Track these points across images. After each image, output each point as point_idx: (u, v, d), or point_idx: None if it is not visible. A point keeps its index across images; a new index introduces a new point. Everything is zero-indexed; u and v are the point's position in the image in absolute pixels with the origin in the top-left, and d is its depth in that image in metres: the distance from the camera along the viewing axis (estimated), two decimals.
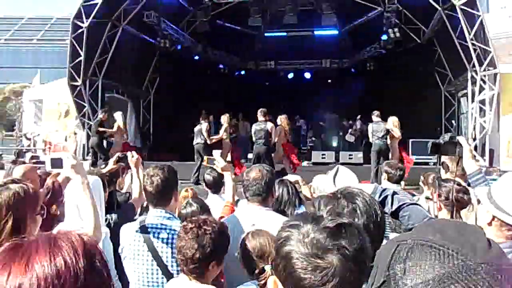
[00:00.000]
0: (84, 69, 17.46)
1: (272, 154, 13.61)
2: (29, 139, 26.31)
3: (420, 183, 6.50)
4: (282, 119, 14.38)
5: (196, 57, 22.91)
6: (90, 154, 15.54)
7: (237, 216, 3.51)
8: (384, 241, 1.76)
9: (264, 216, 3.39)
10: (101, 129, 14.97)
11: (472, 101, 15.82)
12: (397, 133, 13.61)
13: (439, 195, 4.39)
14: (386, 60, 21.88)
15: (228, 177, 4.25)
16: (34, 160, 15.16)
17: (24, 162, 8.29)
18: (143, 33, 19.87)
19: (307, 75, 26.15)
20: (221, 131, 14.79)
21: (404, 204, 2.29)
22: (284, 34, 24.90)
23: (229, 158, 14.65)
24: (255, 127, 13.04)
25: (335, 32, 24.21)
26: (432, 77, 19.60)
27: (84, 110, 17.90)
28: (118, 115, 15.94)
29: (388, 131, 13.39)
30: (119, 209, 4.40)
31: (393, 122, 13.59)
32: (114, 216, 4.04)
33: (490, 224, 2.50)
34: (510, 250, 2.23)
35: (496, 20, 16.30)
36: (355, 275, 1.17)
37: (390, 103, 19.59)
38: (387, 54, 21.17)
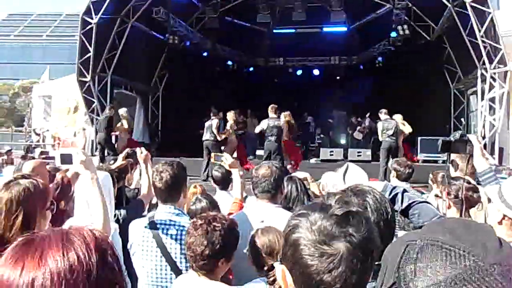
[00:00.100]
0: (93, 65, 17.51)
1: None
2: (38, 135, 26.44)
3: (429, 181, 6.47)
4: (286, 116, 14.33)
5: (205, 54, 22.92)
6: (98, 150, 15.58)
7: (246, 213, 3.51)
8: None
9: (273, 213, 3.39)
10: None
11: (482, 99, 15.71)
12: (408, 129, 13.60)
13: (448, 193, 4.37)
14: (395, 57, 21.78)
15: (236, 174, 4.25)
16: (43, 156, 15.18)
17: (33, 158, 8.33)
18: (152, 29, 19.90)
19: (316, 72, 26.05)
20: (227, 127, 14.79)
21: (414, 202, 2.28)
22: (293, 30, 24.84)
23: (235, 155, 14.62)
24: (268, 122, 12.95)
25: (344, 29, 24.16)
26: (442, 74, 19.47)
27: (93, 106, 17.95)
28: (123, 111, 16.00)
29: (397, 129, 13.34)
30: (128, 205, 4.40)
31: (400, 119, 13.58)
32: (123, 212, 4.05)
33: (500, 223, 2.49)
34: None
35: (506, 17, 16.13)
36: (362, 263, 1.17)
37: (398, 101, 19.53)
38: (396, 51, 21.07)
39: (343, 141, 21.64)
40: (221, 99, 20.37)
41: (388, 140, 13.28)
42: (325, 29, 24.39)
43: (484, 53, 14.54)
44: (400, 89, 21.05)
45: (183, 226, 3.23)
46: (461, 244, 0.89)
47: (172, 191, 3.39)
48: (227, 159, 4.27)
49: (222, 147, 14.53)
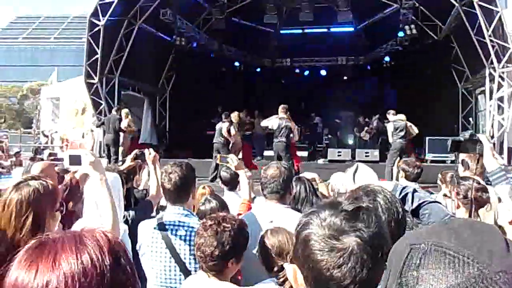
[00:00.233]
0: (100, 67, 17.58)
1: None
2: (47, 136, 26.57)
3: (438, 181, 6.44)
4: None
5: (212, 55, 22.95)
6: (106, 151, 15.61)
7: (254, 214, 3.51)
8: None
9: (282, 213, 3.38)
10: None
11: (490, 98, 15.64)
12: (415, 130, 13.55)
13: (457, 193, 4.35)
14: (402, 57, 21.72)
15: (242, 175, 4.25)
16: (52, 157, 15.28)
17: (42, 159, 8.38)
18: (159, 31, 19.96)
19: (323, 72, 26.01)
20: (232, 129, 14.73)
21: (424, 202, 2.27)
22: (300, 31, 24.84)
23: (240, 155, 14.59)
24: (279, 122, 12.91)
25: (351, 29, 24.12)
26: (449, 74, 19.40)
27: (101, 107, 18.01)
28: (126, 112, 16.06)
29: (407, 130, 13.29)
30: (136, 206, 4.41)
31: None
32: (131, 213, 4.05)
33: (511, 223, 2.47)
34: None
35: None
36: (372, 258, 1.17)
37: (406, 101, 19.50)
38: (403, 51, 21.00)
39: (350, 141, 21.61)
40: (228, 100, 20.39)
41: (399, 141, 13.21)
42: (332, 29, 24.41)
43: (492, 52, 14.47)
44: (408, 89, 21.02)
45: (192, 227, 3.23)
46: (466, 250, 0.86)
47: (181, 192, 3.39)
48: (233, 160, 4.27)
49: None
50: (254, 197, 5.34)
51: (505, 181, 3.29)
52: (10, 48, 71.94)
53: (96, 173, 2.83)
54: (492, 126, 15.35)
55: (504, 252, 0.88)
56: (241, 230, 2.77)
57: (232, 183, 5.43)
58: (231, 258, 2.68)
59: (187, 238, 3.24)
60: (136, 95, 20.54)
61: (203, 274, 2.71)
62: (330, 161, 17.82)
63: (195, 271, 3.11)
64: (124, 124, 15.03)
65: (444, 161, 16.58)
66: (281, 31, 25.21)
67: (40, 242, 1.07)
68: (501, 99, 15.05)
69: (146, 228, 3.39)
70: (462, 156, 5.30)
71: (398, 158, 12.88)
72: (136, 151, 4.96)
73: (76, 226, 3.53)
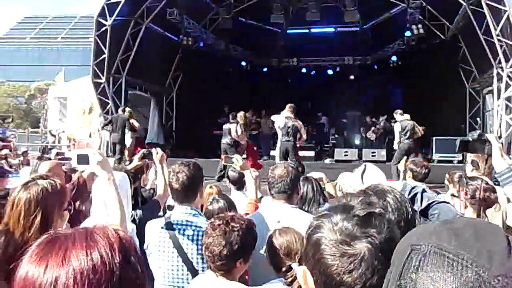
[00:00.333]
0: (107, 67, 17.64)
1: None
2: (54, 136, 26.69)
3: (445, 181, 6.42)
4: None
5: (219, 54, 22.96)
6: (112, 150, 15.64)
7: (262, 213, 3.50)
8: None
9: (290, 213, 3.38)
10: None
11: (498, 98, 15.56)
12: (421, 131, 13.51)
13: (466, 193, 4.33)
14: (409, 57, 21.67)
15: (248, 175, 4.25)
16: (59, 157, 15.33)
17: (49, 159, 8.42)
18: (166, 30, 20.01)
19: (330, 72, 26.01)
20: (238, 129, 14.69)
21: (433, 202, 2.26)
22: (307, 31, 24.82)
23: (244, 155, 14.55)
24: (286, 121, 12.85)
25: (358, 28, 24.07)
26: (457, 74, 19.31)
27: (108, 107, 18.07)
28: (129, 112, 16.11)
29: (414, 130, 13.25)
30: (143, 205, 4.42)
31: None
32: (139, 212, 4.06)
33: None
34: None
35: None
36: (383, 264, 1.16)
37: (413, 101, 19.44)
38: (410, 51, 20.95)
39: (357, 141, 21.56)
40: (234, 99, 20.41)
41: (407, 142, 13.17)
42: (339, 29, 24.36)
43: (500, 52, 14.40)
44: (415, 89, 20.96)
45: (200, 227, 3.24)
46: (466, 253, 0.85)
47: (188, 191, 3.38)
48: (238, 160, 4.27)
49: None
50: (261, 197, 5.34)
51: None
52: (17, 48, 72.32)
53: (104, 172, 2.84)
54: (500, 126, 15.26)
55: (505, 255, 0.86)
56: (250, 230, 2.76)
57: (240, 182, 5.42)
58: (239, 258, 2.68)
59: (195, 237, 3.24)
60: (143, 94, 20.60)
61: (211, 274, 2.71)
62: (336, 161, 17.82)
63: (203, 270, 3.11)
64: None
65: (451, 161, 16.52)
66: (288, 31, 25.21)
67: (51, 237, 1.07)
68: (509, 98, 14.98)
69: (154, 227, 3.40)
70: (470, 156, 5.28)
71: (405, 158, 12.89)
72: (143, 150, 4.98)
73: (84, 225, 3.54)
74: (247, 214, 3.70)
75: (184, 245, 3.25)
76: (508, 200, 4.42)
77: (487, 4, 13.93)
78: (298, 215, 3.39)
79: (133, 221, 3.91)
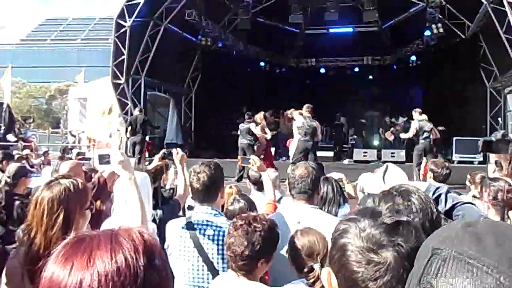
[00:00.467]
0: (127, 68, 17.76)
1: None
2: (74, 136, 26.97)
3: (467, 181, 6.37)
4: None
5: (237, 55, 23.00)
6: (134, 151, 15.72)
7: (282, 214, 3.49)
8: None
9: (310, 214, 3.36)
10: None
11: None
12: (437, 133, 13.44)
13: (488, 195, 4.28)
14: (429, 56, 21.51)
15: (265, 176, 4.24)
16: (80, 157, 15.52)
17: (70, 159, 8.51)
18: (184, 31, 20.08)
19: (348, 72, 25.90)
20: (259, 129, 14.65)
21: (458, 203, 2.23)
22: (325, 31, 24.73)
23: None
24: (303, 120, 12.83)
25: (377, 28, 23.93)
26: (477, 73, 19.07)
27: (127, 107, 18.20)
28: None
29: (431, 130, 13.16)
30: (163, 205, 4.43)
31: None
32: (159, 212, 4.08)
33: None
34: None
35: None
36: (408, 273, 1.15)
37: (433, 101, 19.27)
38: (430, 50, 20.77)
39: (376, 142, 21.43)
40: (253, 100, 20.44)
41: (424, 142, 13.09)
42: (358, 29, 24.22)
43: None
44: (435, 89, 20.79)
45: (220, 227, 3.24)
46: (486, 259, 0.84)
47: (209, 191, 3.39)
48: (255, 161, 4.25)
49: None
50: (281, 197, 5.33)
51: None
52: (38, 50, 73.12)
53: (126, 172, 2.85)
54: None
55: None
56: (272, 230, 2.75)
57: (261, 183, 5.41)
58: (261, 258, 2.67)
59: (215, 237, 3.24)
60: (162, 95, 20.72)
61: (233, 274, 2.71)
62: (355, 161, 17.74)
63: (223, 270, 3.11)
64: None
65: (471, 162, 16.35)
66: (306, 31, 25.14)
67: (77, 238, 1.08)
68: None
69: (174, 227, 3.41)
70: (493, 156, 5.22)
71: (424, 158, 12.81)
72: (163, 150, 5.00)
73: (105, 225, 3.56)
74: (267, 214, 3.69)
75: (205, 245, 3.25)
76: None
77: (509, 3, 13.73)
78: (319, 216, 3.37)
79: (154, 220, 3.92)
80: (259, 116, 14.59)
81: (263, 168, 4.30)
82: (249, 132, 14.30)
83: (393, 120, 20.97)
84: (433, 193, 2.23)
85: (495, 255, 0.84)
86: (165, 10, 18.31)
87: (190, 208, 4.78)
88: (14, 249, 2.78)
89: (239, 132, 14.72)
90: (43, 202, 2.47)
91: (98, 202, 3.89)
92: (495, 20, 15.15)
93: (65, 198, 2.50)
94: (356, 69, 25.89)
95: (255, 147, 14.33)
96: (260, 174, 4.72)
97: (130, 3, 17.02)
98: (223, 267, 3.15)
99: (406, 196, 1.78)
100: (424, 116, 13.41)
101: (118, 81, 18.05)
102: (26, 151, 16.43)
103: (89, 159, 15.44)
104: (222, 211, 3.82)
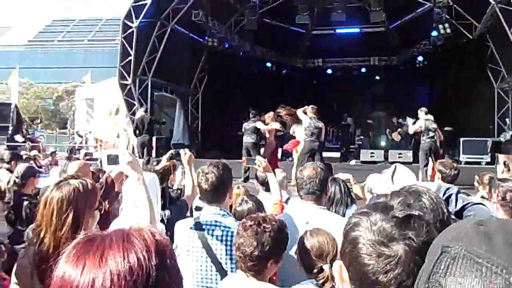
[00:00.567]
0: (133, 68, 17.82)
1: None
2: (81, 137, 27.07)
3: (475, 182, 6.35)
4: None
5: (244, 55, 23.00)
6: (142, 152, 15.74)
7: (290, 214, 3.49)
8: None
9: (318, 214, 3.35)
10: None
11: None
12: (441, 136, 13.42)
13: (497, 195, 4.26)
14: (436, 57, 21.45)
15: (271, 177, 4.23)
16: (87, 157, 15.58)
17: (78, 159, 8.55)
18: (191, 32, 20.12)
19: (355, 72, 25.87)
20: (272, 127, 14.54)
21: (468, 203, 2.22)
22: (332, 31, 24.70)
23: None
24: (309, 121, 12.79)
25: (383, 29, 23.88)
26: (484, 74, 18.97)
27: (134, 108, 18.24)
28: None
29: (436, 130, 13.13)
30: (171, 205, 4.44)
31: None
32: (167, 212, 4.08)
33: None
34: None
35: None
36: (418, 267, 1.15)
37: (440, 101, 19.21)
38: (437, 50, 20.71)
39: (383, 142, 21.39)
40: (260, 100, 20.43)
41: (429, 141, 13.05)
42: (364, 30, 24.18)
43: None
44: (442, 90, 20.73)
45: (229, 227, 3.24)
46: (496, 259, 0.83)
47: (217, 192, 3.38)
48: (261, 163, 4.24)
49: (262, 149, 14.50)
50: (288, 198, 5.32)
51: None
52: (46, 51, 73.51)
53: (134, 172, 2.86)
54: None
55: None
56: (281, 231, 2.75)
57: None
58: (270, 258, 2.67)
59: (224, 238, 3.24)
60: (168, 96, 20.76)
61: (242, 274, 2.71)
62: (362, 162, 17.70)
63: (231, 271, 3.11)
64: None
65: (479, 163, 16.26)
66: (313, 32, 25.12)
67: (89, 237, 1.08)
68: None
69: (183, 227, 3.41)
70: (501, 157, 5.20)
71: (430, 159, 12.79)
72: (171, 151, 5.01)
73: (113, 225, 3.57)
74: (275, 215, 3.68)
75: (213, 246, 3.25)
76: None
77: None
78: (327, 216, 3.37)
79: (162, 221, 3.93)
80: (269, 116, 14.56)
81: (269, 169, 4.29)
82: (254, 131, 14.29)
83: (400, 120, 20.92)
84: (444, 194, 2.22)
85: (505, 255, 0.83)
86: (172, 11, 18.36)
87: (198, 208, 4.78)
88: (22, 249, 2.80)
89: (243, 131, 14.69)
90: (53, 202, 2.48)
91: (106, 203, 3.90)
92: (502, 20, 15.09)
93: (75, 198, 2.50)
94: (363, 70, 25.84)
95: (262, 147, 14.32)
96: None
97: (137, 4, 17.09)
98: (231, 268, 3.15)
99: (417, 196, 1.78)
100: (430, 116, 13.36)
101: (125, 82, 18.11)
102: (34, 152, 16.50)
103: (96, 159, 15.53)
104: (230, 211, 3.82)
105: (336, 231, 2.89)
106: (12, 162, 8.35)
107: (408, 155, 17.22)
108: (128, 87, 18.14)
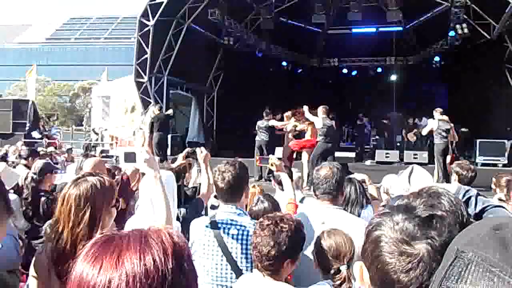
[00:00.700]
0: (149, 66, 17.92)
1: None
2: (97, 134, 27.25)
3: (492, 184, 6.27)
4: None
5: (260, 54, 22.99)
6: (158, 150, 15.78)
7: (306, 214, 3.48)
8: None
9: (334, 214, 3.34)
10: None
11: None
12: (456, 137, 13.30)
13: None
14: (453, 57, 21.27)
15: (284, 176, 4.22)
16: (103, 154, 15.67)
17: (94, 156, 8.60)
18: (207, 30, 20.17)
19: (371, 72, 25.75)
20: (289, 127, 14.50)
21: (488, 206, 2.20)
22: (348, 31, 24.61)
23: (280, 155, 14.35)
24: (325, 122, 12.69)
25: (400, 28, 23.74)
26: (502, 75, 18.77)
27: (150, 106, 18.33)
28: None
29: (449, 131, 13.02)
30: (187, 203, 4.45)
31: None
32: (183, 210, 4.09)
33: None
34: None
35: None
36: None
37: (456, 102, 19.04)
38: (454, 51, 20.53)
39: (399, 143, 21.26)
40: (275, 99, 20.43)
41: (444, 142, 12.95)
42: (381, 29, 24.05)
43: None
44: (458, 90, 20.55)
45: (245, 226, 3.24)
46: (510, 268, 0.81)
47: (234, 191, 3.38)
48: (275, 163, 4.22)
49: (277, 148, 14.48)
50: (303, 198, 5.31)
51: None
52: (63, 48, 74.17)
53: (151, 170, 2.86)
54: None
55: None
56: (298, 230, 2.74)
57: None
58: (287, 258, 2.66)
59: (239, 237, 3.24)
60: (184, 94, 20.84)
61: (258, 274, 2.71)
62: (377, 162, 17.61)
63: (247, 270, 3.11)
64: None
65: (495, 165, 16.10)
66: (329, 31, 25.05)
67: (107, 237, 1.08)
68: None
69: (199, 226, 3.41)
70: None
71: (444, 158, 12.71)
72: (187, 149, 5.02)
73: (129, 223, 3.60)
74: (288, 214, 3.67)
75: (229, 244, 3.25)
76: None
77: None
78: (343, 217, 3.36)
79: (177, 219, 3.94)
80: (287, 116, 14.54)
81: (282, 169, 4.28)
82: (268, 129, 14.28)
83: (416, 121, 20.80)
84: (463, 196, 2.20)
85: None
86: (188, 9, 18.41)
87: (213, 207, 4.79)
88: (39, 244, 2.83)
89: (256, 128, 14.67)
90: (70, 199, 2.50)
91: (122, 200, 3.93)
92: None
93: (92, 195, 2.52)
94: (379, 70, 25.73)
95: (282, 149, 14.29)
96: (289, 173, 4.71)
97: (153, 2, 17.17)
98: (246, 267, 3.15)
99: (436, 198, 1.76)
100: (445, 117, 13.25)
101: (141, 80, 18.22)
102: (51, 148, 16.67)
103: (112, 156, 15.62)
104: (246, 210, 3.82)
105: (353, 231, 2.88)
106: (30, 158, 8.44)
107: (424, 155, 17.11)
108: (144, 85, 18.25)
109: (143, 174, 3.17)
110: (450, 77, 21.96)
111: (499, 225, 0.93)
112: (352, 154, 18.51)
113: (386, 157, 17.76)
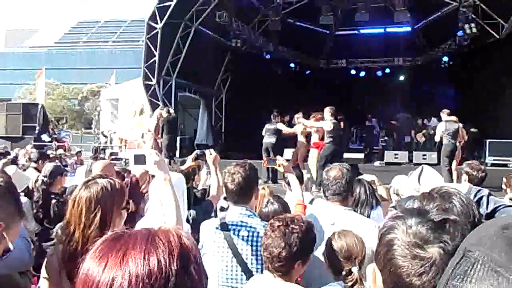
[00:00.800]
0: (158, 69, 17.99)
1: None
2: (106, 137, 27.35)
3: (503, 185, 6.24)
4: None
5: (267, 56, 22.99)
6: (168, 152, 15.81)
7: (315, 215, 3.47)
8: None
9: (344, 215, 3.34)
10: None
11: None
12: (465, 136, 13.22)
13: None
14: (462, 57, 21.17)
15: (292, 177, 4.20)
16: (113, 157, 15.74)
17: (103, 159, 8.65)
18: (215, 33, 20.21)
19: (379, 73, 25.69)
20: (298, 128, 14.42)
21: (500, 206, 2.19)
22: (356, 32, 24.57)
23: (288, 156, 14.25)
24: (331, 124, 12.61)
25: (408, 29, 23.68)
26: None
27: (157, 108, 18.38)
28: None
29: (458, 131, 12.94)
30: (196, 205, 4.46)
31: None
32: (193, 212, 4.10)
33: None
34: None
35: None
36: None
37: (465, 102, 18.95)
38: (463, 51, 20.43)
39: (407, 144, 21.18)
40: (283, 101, 20.40)
41: (452, 143, 12.88)
42: (389, 30, 24.01)
43: None
44: (468, 91, 20.46)
45: (255, 228, 3.24)
46: None
47: (244, 192, 3.38)
48: (282, 164, 4.20)
49: (286, 150, 14.43)
50: (312, 199, 5.30)
51: None
52: (71, 52, 74.52)
53: (161, 172, 2.87)
54: None
55: None
56: (309, 232, 2.74)
57: None
58: (298, 259, 2.66)
59: (249, 238, 3.24)
60: (192, 96, 20.89)
61: (269, 275, 2.70)
62: (386, 163, 17.54)
63: (257, 271, 3.11)
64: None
65: (505, 165, 16.00)
66: (337, 32, 25.03)
67: (116, 235, 1.08)
68: None
69: (209, 227, 3.42)
70: None
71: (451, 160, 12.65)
72: (196, 151, 5.03)
73: (138, 225, 3.60)
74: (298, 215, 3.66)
75: (239, 246, 3.25)
76: None
77: None
78: (353, 218, 3.35)
79: (187, 221, 3.94)
80: (297, 117, 14.48)
81: (290, 170, 4.27)
82: (275, 132, 14.24)
83: (425, 122, 20.71)
84: (474, 196, 2.19)
85: None
86: (195, 12, 18.47)
87: (222, 209, 4.79)
88: (50, 246, 2.83)
89: (264, 132, 14.63)
90: (81, 201, 2.51)
91: (131, 202, 3.93)
92: None
93: (103, 197, 2.53)
94: (387, 70, 25.62)
95: (293, 151, 14.24)
96: (299, 175, 4.69)
97: (161, 5, 17.24)
98: (257, 268, 3.15)
99: (447, 198, 1.75)
100: (453, 117, 13.17)
101: (149, 82, 18.29)
102: (60, 151, 16.76)
103: (121, 159, 15.69)
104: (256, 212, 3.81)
105: (363, 232, 2.87)
106: (40, 161, 8.49)
107: (433, 156, 17.01)
108: (152, 87, 18.32)
109: (153, 176, 3.17)
110: (459, 77, 21.84)
111: (507, 225, 0.92)
112: (361, 155, 18.45)
113: (395, 158, 17.69)
